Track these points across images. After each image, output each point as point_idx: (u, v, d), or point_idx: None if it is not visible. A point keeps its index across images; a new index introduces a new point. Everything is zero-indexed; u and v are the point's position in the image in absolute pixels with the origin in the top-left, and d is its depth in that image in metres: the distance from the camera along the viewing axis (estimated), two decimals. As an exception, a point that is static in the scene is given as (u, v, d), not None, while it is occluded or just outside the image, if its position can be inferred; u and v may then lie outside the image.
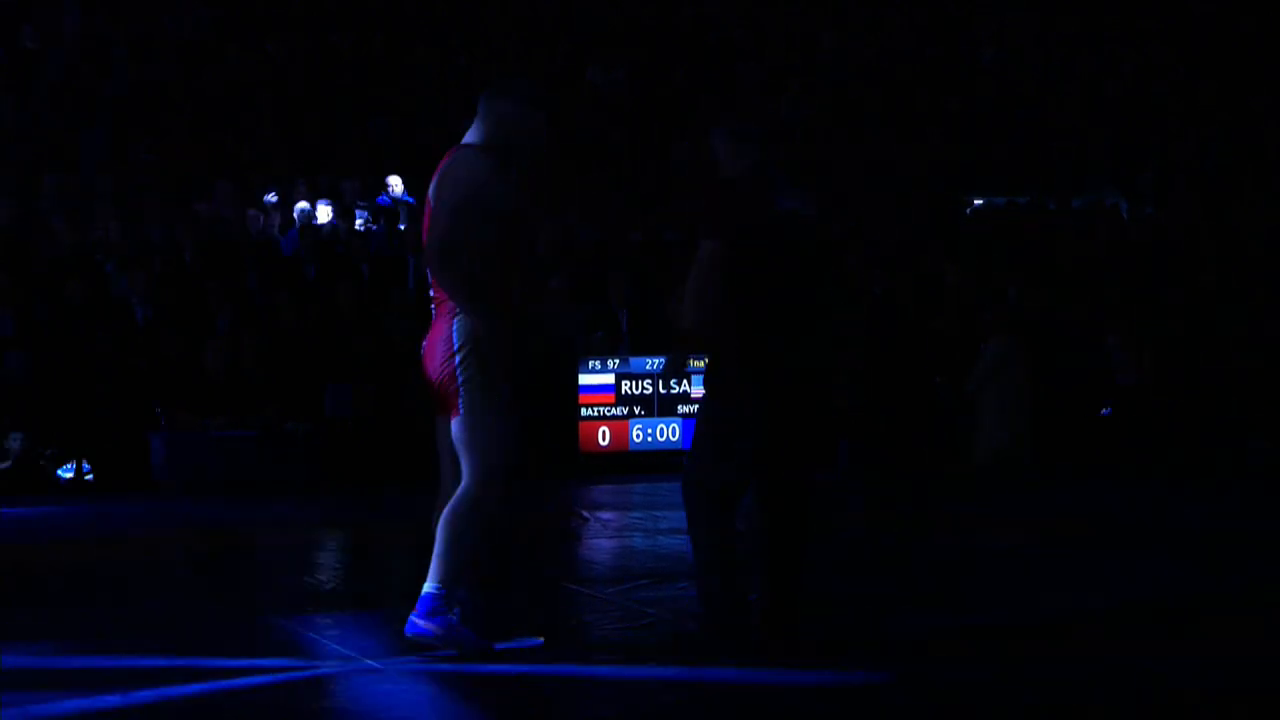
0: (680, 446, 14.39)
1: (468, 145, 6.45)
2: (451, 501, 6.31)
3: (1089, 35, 22.08)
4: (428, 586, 6.26)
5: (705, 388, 6.55)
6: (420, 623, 6.20)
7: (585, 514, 11.66)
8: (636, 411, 14.52)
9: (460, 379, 6.25)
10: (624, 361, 14.54)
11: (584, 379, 14.42)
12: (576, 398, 14.41)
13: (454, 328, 6.26)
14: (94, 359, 13.53)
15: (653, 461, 14.24)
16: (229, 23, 19.47)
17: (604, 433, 14.43)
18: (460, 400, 6.26)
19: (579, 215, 16.11)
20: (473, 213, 6.21)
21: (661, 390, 14.57)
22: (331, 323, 14.61)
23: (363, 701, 5.71)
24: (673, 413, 14.57)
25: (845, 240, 10.13)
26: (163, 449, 13.15)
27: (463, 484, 6.31)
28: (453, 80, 19.14)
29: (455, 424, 6.30)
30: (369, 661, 6.17)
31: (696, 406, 14.21)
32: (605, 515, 11.58)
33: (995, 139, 19.43)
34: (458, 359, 6.24)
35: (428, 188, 6.39)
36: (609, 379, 14.45)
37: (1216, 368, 14.46)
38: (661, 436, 14.55)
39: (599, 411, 14.45)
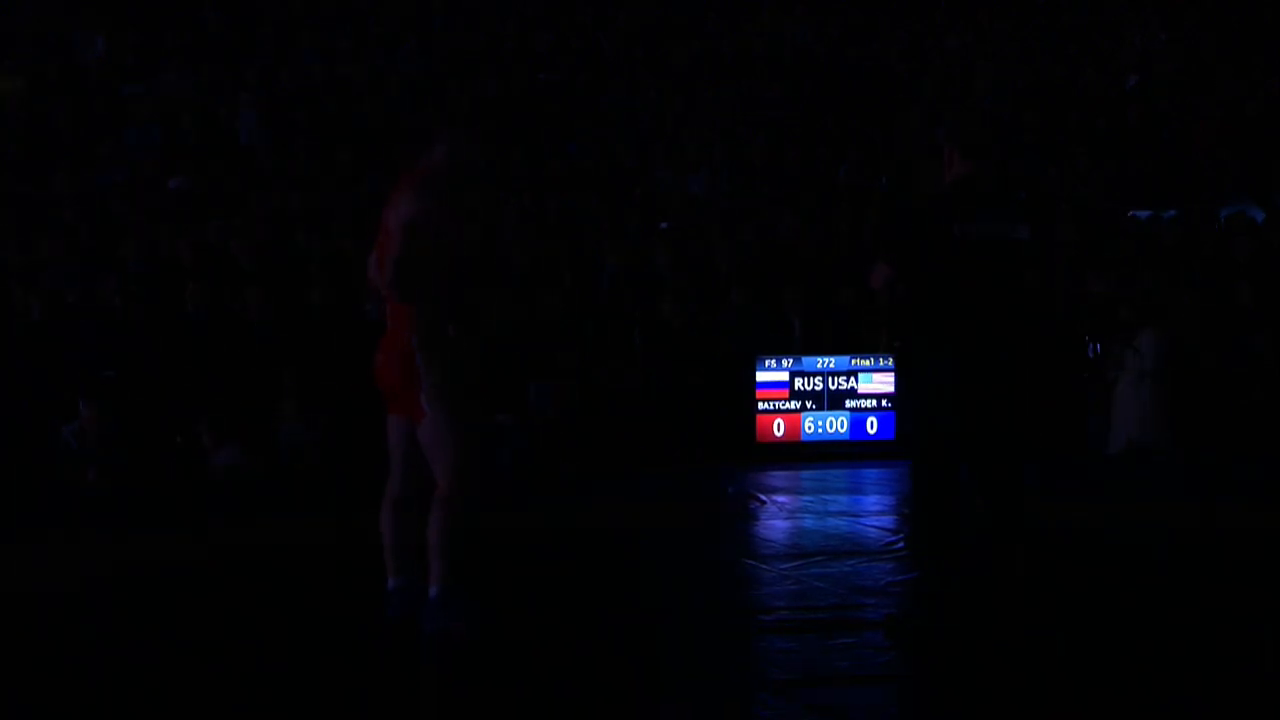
0: (847, 438, 15.07)
1: (420, 171, 6.60)
2: (433, 507, 6.42)
3: (1226, 60, 22.24)
4: (433, 590, 6.46)
5: None
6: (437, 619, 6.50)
7: (762, 497, 11.99)
8: (808, 405, 15.04)
9: (423, 384, 6.33)
10: (797, 360, 15.06)
11: (761, 376, 14.98)
12: (754, 393, 14.97)
13: (413, 337, 6.37)
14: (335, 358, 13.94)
15: (823, 451, 14.85)
16: (446, 63, 20.78)
17: (779, 424, 14.99)
18: (425, 404, 6.35)
19: (757, 233, 16.93)
20: (423, 234, 6.34)
21: (831, 387, 15.09)
22: (535, 324, 15.01)
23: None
24: (841, 407, 15.09)
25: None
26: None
27: (439, 485, 6.40)
28: (644, 109, 20.21)
29: (423, 427, 6.38)
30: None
31: (863, 402, 15.30)
32: (780, 499, 11.95)
33: (1139, 158, 19.67)
34: (419, 365, 6.34)
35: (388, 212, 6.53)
36: (784, 376, 15.03)
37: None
38: (831, 429, 15.09)
39: (774, 405, 15.00)
